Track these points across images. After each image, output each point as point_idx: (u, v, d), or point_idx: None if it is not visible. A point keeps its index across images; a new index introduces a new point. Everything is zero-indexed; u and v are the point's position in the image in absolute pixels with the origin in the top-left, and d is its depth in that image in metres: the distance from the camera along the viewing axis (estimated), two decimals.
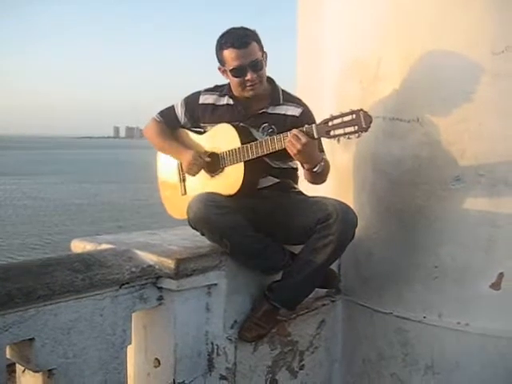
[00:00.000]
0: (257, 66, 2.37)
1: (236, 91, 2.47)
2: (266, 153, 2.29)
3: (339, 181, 2.87)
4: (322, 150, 2.41)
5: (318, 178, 2.39)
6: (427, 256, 2.59)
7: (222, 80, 2.55)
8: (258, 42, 2.40)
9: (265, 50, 2.43)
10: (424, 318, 2.58)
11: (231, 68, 2.37)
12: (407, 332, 2.64)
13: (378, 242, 2.77)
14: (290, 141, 2.17)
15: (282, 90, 2.53)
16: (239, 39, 2.34)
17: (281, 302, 2.41)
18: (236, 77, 2.39)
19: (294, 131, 2.17)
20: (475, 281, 2.48)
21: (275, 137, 2.26)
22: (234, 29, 2.39)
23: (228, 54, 2.36)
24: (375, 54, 2.72)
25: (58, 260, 2.08)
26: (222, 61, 2.41)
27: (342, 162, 2.82)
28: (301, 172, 2.54)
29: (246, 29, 2.40)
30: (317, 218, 2.25)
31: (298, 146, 2.15)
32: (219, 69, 2.46)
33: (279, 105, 2.49)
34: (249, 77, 2.36)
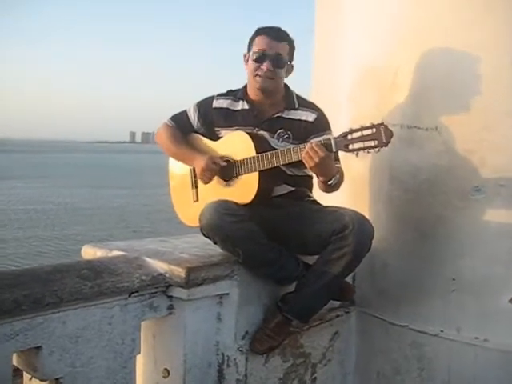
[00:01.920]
0: (278, 60, 2.38)
1: (249, 81, 2.45)
2: (281, 163, 2.26)
3: (354, 189, 2.81)
4: (337, 159, 2.36)
5: (331, 189, 2.34)
6: (445, 268, 2.52)
7: (236, 85, 2.56)
8: (290, 47, 2.44)
9: (293, 64, 2.48)
10: (441, 332, 2.51)
11: (255, 50, 2.39)
12: (424, 346, 2.57)
13: (394, 252, 2.71)
14: (308, 153, 2.12)
15: (297, 95, 2.50)
16: (276, 32, 2.42)
17: (294, 314, 2.36)
18: (255, 61, 2.39)
19: (313, 144, 2.12)
20: (495, 295, 2.41)
21: (291, 148, 2.22)
22: (275, 26, 2.47)
23: (260, 39, 2.40)
24: (393, 61, 2.68)
25: (67, 267, 2.05)
26: (250, 45, 2.44)
27: (357, 170, 2.77)
28: (314, 180, 2.49)
29: (286, 32, 2.45)
30: (332, 229, 2.20)
31: (316, 160, 2.11)
32: (244, 56, 2.47)
33: (294, 109, 2.46)
34: (265, 66, 2.36)
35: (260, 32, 2.42)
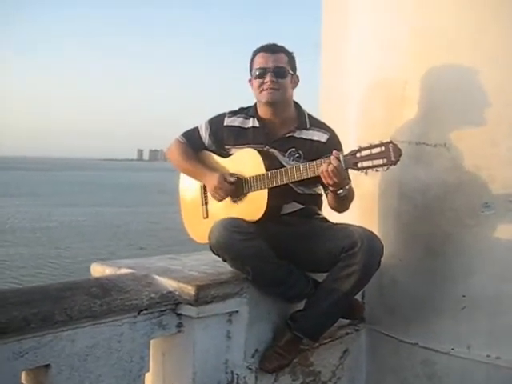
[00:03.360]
0: (279, 72, 2.40)
1: (257, 99, 2.47)
2: (290, 181, 2.26)
3: (364, 206, 2.80)
4: (347, 178, 2.35)
5: (341, 203, 2.33)
6: (455, 285, 2.50)
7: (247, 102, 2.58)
8: (289, 58, 2.46)
9: (298, 74, 2.50)
10: (452, 349, 2.49)
11: (256, 68, 2.43)
12: (434, 364, 2.54)
13: (404, 269, 2.69)
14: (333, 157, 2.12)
15: (309, 115, 2.51)
16: (270, 46, 2.46)
17: (303, 333, 2.34)
18: (257, 78, 2.42)
19: (333, 159, 2.11)
20: (506, 312, 2.39)
21: (301, 165, 2.22)
22: (269, 43, 2.50)
23: (257, 57, 2.45)
24: (401, 76, 2.68)
25: (76, 284, 2.05)
26: (251, 67, 2.47)
27: (366, 187, 2.76)
28: (324, 199, 2.50)
29: (282, 46, 2.48)
30: (342, 246, 2.20)
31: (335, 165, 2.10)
32: (249, 81, 2.50)
33: (306, 129, 2.46)
34: (267, 79, 2.39)
35: (256, 52, 2.47)
